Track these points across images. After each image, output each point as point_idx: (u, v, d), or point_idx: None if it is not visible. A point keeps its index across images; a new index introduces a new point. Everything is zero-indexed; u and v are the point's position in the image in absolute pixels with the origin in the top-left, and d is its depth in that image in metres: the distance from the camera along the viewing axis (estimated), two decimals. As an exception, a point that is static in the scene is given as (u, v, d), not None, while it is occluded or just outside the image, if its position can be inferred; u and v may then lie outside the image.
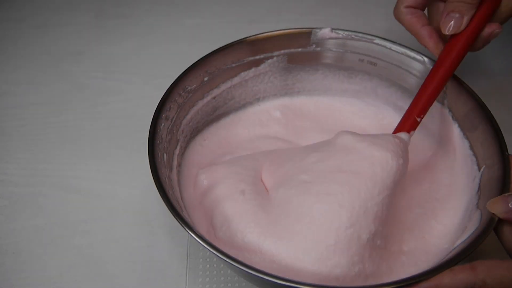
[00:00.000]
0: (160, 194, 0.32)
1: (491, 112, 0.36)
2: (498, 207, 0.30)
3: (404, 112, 0.40)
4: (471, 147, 0.37)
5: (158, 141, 0.36)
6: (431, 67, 0.41)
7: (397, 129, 0.38)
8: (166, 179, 0.35)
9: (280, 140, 0.44)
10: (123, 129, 0.51)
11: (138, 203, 0.44)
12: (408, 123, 0.37)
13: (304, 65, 0.46)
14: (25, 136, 0.50)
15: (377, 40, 0.43)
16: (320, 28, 0.44)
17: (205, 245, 0.29)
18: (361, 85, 0.46)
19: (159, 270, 0.40)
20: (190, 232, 0.30)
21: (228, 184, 0.36)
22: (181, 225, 0.30)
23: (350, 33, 0.43)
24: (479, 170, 0.35)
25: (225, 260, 0.28)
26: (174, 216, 0.31)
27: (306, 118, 0.46)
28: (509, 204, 0.29)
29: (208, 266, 0.40)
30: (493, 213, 0.30)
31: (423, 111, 0.37)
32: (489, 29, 0.37)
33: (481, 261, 0.28)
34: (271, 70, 0.45)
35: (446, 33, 0.36)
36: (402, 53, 0.42)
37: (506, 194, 0.31)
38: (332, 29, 0.44)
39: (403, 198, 0.36)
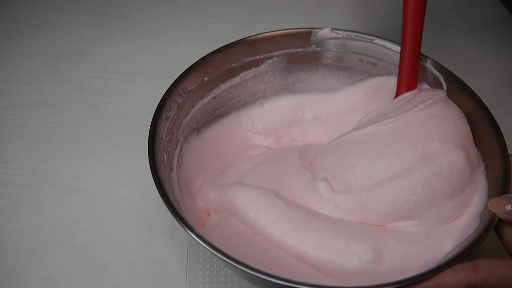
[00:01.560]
0: (160, 194, 0.32)
1: (491, 112, 0.36)
2: (499, 207, 0.30)
3: None
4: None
5: (158, 141, 0.36)
6: (430, 66, 0.41)
7: (403, 89, 0.39)
8: (166, 179, 0.35)
9: (281, 137, 0.44)
10: (123, 129, 0.51)
11: (138, 203, 0.44)
12: (412, 83, 0.39)
13: (304, 65, 0.46)
14: (25, 136, 0.50)
15: (377, 40, 0.43)
16: (320, 28, 0.44)
17: (205, 245, 0.29)
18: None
19: (159, 270, 0.40)
20: (190, 232, 0.30)
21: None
22: (181, 225, 0.30)
23: (350, 33, 0.43)
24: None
25: (225, 260, 0.28)
26: (174, 216, 0.31)
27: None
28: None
29: (208, 266, 0.40)
30: (493, 213, 0.30)
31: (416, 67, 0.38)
32: None
33: (482, 259, 0.28)
34: (271, 70, 0.45)
35: None
36: (402, 53, 0.42)
37: (509, 195, 0.31)
38: (332, 29, 0.44)
39: None
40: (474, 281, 0.27)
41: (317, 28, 0.44)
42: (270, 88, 0.46)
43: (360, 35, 0.43)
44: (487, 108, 0.37)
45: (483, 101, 0.37)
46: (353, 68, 0.45)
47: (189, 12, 0.66)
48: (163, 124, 0.37)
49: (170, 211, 0.31)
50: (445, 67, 0.40)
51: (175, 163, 0.39)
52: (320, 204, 0.36)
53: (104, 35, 0.63)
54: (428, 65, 0.41)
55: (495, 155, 0.34)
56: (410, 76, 0.39)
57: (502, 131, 0.35)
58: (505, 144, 0.34)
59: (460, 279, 0.27)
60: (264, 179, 0.39)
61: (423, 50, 0.42)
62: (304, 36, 0.44)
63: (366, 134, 0.36)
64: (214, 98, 0.43)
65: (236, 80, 0.44)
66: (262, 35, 0.43)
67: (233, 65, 0.43)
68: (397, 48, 0.42)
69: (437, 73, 0.40)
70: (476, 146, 0.37)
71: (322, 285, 0.31)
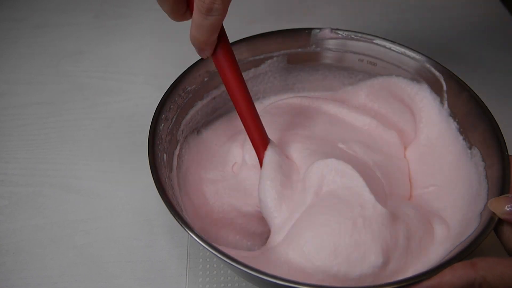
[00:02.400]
0: (160, 194, 0.32)
1: (491, 112, 0.36)
2: (499, 207, 0.30)
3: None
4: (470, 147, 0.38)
5: (158, 141, 0.36)
6: (430, 66, 0.41)
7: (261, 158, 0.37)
8: (166, 179, 0.35)
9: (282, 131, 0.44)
10: (123, 129, 0.51)
11: (138, 203, 0.44)
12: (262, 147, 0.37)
13: (304, 65, 0.46)
14: (25, 136, 0.50)
15: (377, 40, 0.43)
16: (320, 28, 0.44)
17: (205, 245, 0.29)
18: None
19: (159, 270, 0.40)
20: (190, 232, 0.30)
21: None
22: (181, 225, 0.30)
23: (350, 33, 0.43)
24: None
25: (225, 260, 0.28)
26: (174, 216, 0.31)
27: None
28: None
29: (208, 266, 0.40)
30: (493, 213, 0.30)
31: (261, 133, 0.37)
32: None
33: (481, 257, 0.28)
34: (271, 70, 0.45)
35: None
36: (401, 53, 0.42)
37: (509, 195, 0.31)
38: (332, 29, 0.44)
39: None
40: (473, 279, 0.27)
41: (317, 28, 0.44)
42: (270, 88, 0.46)
43: (360, 35, 0.43)
44: (487, 108, 0.37)
45: (483, 101, 0.37)
46: (353, 68, 0.45)
47: (189, 12, 0.66)
48: (163, 124, 0.37)
49: (170, 211, 0.31)
50: (445, 67, 0.40)
51: (175, 163, 0.39)
52: None
53: (104, 35, 0.63)
54: (428, 65, 0.41)
55: (495, 155, 0.34)
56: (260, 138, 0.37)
57: (502, 131, 0.35)
58: (505, 144, 0.34)
59: (459, 277, 0.27)
60: None
61: (423, 50, 0.42)
62: (304, 36, 0.44)
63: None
64: (214, 98, 0.43)
65: (236, 80, 0.44)
66: (262, 35, 0.43)
67: (233, 65, 0.43)
68: (397, 48, 0.42)
69: (437, 73, 0.40)
70: (476, 146, 0.37)
71: (322, 285, 0.31)
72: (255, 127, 0.36)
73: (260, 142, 0.37)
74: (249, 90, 0.44)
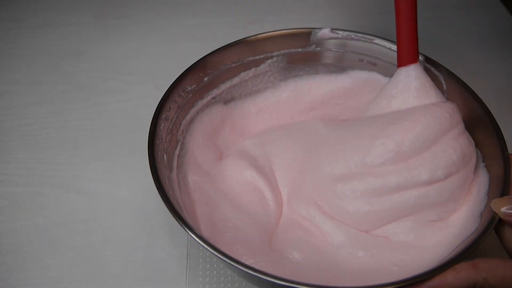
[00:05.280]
0: (160, 195, 0.32)
1: (491, 112, 0.36)
2: (502, 207, 0.30)
3: None
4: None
5: (158, 141, 0.36)
6: (430, 66, 0.41)
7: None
8: (166, 180, 0.35)
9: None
10: (123, 129, 0.51)
11: (138, 203, 0.44)
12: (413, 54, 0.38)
13: (304, 65, 0.46)
14: (25, 136, 0.50)
15: (377, 40, 0.43)
16: (320, 28, 0.44)
17: (205, 245, 0.29)
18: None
19: (159, 270, 0.40)
20: (190, 232, 0.30)
21: None
22: (181, 225, 0.30)
23: (350, 33, 0.43)
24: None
25: (225, 260, 0.28)
26: (174, 216, 0.31)
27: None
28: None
29: (208, 266, 0.40)
30: (494, 213, 0.30)
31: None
32: None
33: (483, 258, 0.28)
34: (271, 70, 0.45)
35: None
36: (402, 53, 0.42)
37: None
38: (332, 29, 0.44)
39: None
40: (474, 280, 0.27)
41: (317, 28, 0.44)
42: (270, 88, 0.46)
43: (360, 35, 0.43)
44: (487, 108, 0.37)
45: (483, 101, 0.37)
46: (353, 68, 0.45)
47: (189, 12, 0.66)
48: (163, 124, 0.37)
49: (170, 211, 0.31)
50: (445, 67, 0.40)
51: (175, 163, 0.39)
52: None
53: (104, 35, 0.63)
54: (428, 65, 0.41)
55: (495, 155, 0.34)
56: (410, 47, 0.38)
57: (502, 131, 0.35)
58: (505, 144, 0.34)
59: (460, 278, 0.27)
60: None
61: (422, 50, 0.42)
62: (304, 36, 0.44)
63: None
64: (214, 98, 0.43)
65: (236, 80, 0.44)
66: (262, 35, 0.43)
67: (233, 65, 0.43)
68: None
69: (437, 73, 0.40)
70: (476, 146, 0.37)
71: (322, 285, 0.31)
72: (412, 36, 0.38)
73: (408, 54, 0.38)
74: (249, 90, 0.45)
